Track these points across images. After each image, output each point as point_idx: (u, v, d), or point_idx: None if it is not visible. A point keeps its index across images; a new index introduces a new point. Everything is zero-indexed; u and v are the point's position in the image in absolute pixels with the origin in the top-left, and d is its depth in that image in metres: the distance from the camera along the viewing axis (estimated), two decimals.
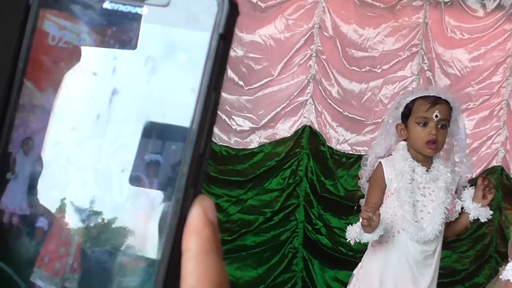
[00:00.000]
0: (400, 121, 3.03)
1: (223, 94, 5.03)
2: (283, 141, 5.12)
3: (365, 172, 3.20)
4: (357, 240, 2.90)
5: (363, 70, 5.12)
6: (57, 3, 0.41)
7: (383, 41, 5.14)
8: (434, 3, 5.12)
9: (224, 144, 5.08)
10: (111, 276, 0.39)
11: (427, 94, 3.00)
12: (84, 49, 0.41)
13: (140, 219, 0.39)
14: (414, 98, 3.00)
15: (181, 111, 0.39)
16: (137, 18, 0.40)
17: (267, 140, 5.12)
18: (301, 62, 5.14)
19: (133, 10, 0.40)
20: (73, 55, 0.41)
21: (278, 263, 5.03)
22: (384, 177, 3.01)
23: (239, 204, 5.08)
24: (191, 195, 0.39)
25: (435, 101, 2.97)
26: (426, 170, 2.99)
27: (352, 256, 4.76)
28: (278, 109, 5.11)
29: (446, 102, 3.01)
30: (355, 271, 3.23)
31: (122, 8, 0.40)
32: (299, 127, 5.12)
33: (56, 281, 0.40)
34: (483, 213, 2.95)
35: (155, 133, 0.39)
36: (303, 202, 5.08)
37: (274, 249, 5.05)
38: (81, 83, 0.41)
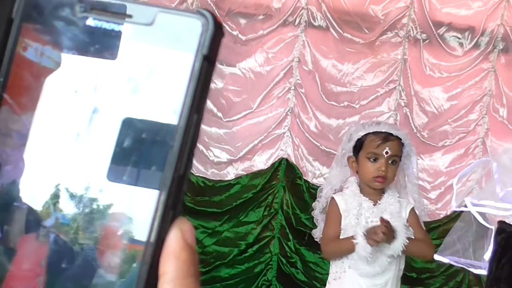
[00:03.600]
0: (351, 154, 3.05)
1: (202, 126, 5.09)
2: (260, 173, 5.13)
3: (319, 203, 3.21)
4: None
5: (341, 105, 5.16)
6: (40, 18, 0.40)
7: (362, 76, 5.18)
8: (413, 41, 5.17)
9: (201, 175, 5.10)
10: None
11: (378, 130, 3.01)
12: (65, 66, 0.40)
13: (118, 241, 0.38)
14: (366, 133, 3.01)
15: (162, 132, 0.38)
16: (120, 36, 0.40)
17: (244, 172, 5.14)
18: (280, 95, 5.17)
19: (117, 28, 0.40)
20: (54, 71, 0.40)
21: None
22: (339, 209, 3.01)
23: (214, 236, 5.08)
24: (170, 217, 0.38)
25: (386, 137, 2.97)
26: (373, 204, 3.00)
27: None
28: (256, 142, 5.13)
29: (398, 138, 3.01)
30: None
31: (106, 25, 0.40)
32: (276, 159, 5.14)
33: None
34: None
35: (135, 153, 0.39)
36: (278, 235, 5.09)
37: (248, 281, 5.04)
38: (62, 100, 0.40)
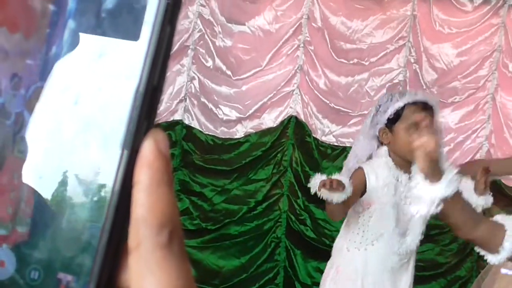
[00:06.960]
0: (383, 125, 2.94)
1: (211, 85, 5.05)
2: (269, 131, 5.12)
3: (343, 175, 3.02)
4: (326, 198, 2.73)
5: (351, 62, 5.13)
6: None
7: (371, 33, 5.15)
8: None
9: (210, 133, 5.09)
10: (61, 210, 0.38)
11: (418, 100, 2.90)
12: None
13: (92, 150, 0.38)
14: (405, 103, 2.89)
15: (135, 45, 0.38)
16: None
17: (253, 130, 5.13)
18: (289, 53, 5.14)
19: None
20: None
21: (261, 252, 5.05)
22: (366, 184, 2.92)
23: (224, 193, 5.09)
24: (145, 127, 0.39)
25: (425, 107, 2.88)
26: (408, 178, 2.88)
27: None
28: (265, 99, 5.11)
29: (431, 107, 2.93)
30: (326, 272, 3.08)
31: None
32: (285, 117, 5.13)
33: (5, 225, 0.39)
34: (489, 201, 2.93)
35: (107, 64, 0.39)
36: (287, 192, 5.09)
37: (257, 239, 5.06)
38: None
